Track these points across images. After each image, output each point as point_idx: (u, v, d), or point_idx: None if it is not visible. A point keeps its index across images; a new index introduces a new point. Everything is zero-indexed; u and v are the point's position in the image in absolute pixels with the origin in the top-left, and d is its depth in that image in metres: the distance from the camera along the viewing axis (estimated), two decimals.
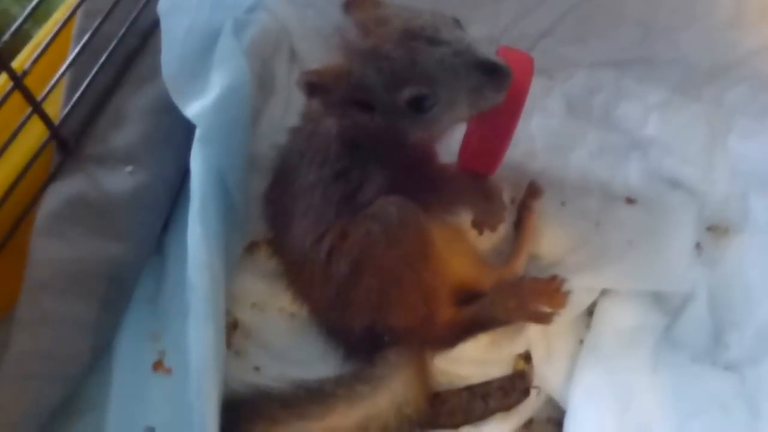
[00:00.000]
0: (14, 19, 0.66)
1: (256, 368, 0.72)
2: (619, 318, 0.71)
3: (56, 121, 0.72)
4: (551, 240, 0.75)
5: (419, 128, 0.65)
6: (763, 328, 0.67)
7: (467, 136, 0.66)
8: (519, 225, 0.77)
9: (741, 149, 0.75)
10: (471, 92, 0.62)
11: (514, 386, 0.70)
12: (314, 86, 0.63)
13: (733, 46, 0.77)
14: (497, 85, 0.61)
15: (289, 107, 0.83)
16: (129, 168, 0.73)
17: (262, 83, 0.82)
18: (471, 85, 0.61)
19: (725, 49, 0.77)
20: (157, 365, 0.70)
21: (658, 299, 0.72)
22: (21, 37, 0.81)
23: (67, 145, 0.73)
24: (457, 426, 0.69)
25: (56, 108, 0.74)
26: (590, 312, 0.73)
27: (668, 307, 0.72)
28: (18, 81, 0.65)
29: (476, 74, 0.60)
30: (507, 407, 0.69)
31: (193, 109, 0.71)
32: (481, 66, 0.60)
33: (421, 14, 0.64)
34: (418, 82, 0.62)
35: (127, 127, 0.75)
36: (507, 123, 0.65)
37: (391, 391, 0.66)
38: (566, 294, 0.71)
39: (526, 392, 0.69)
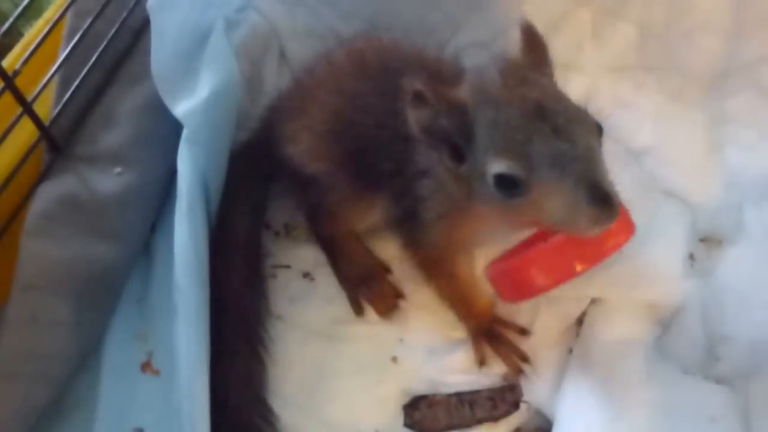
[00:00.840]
0: (5, 16, 0.65)
1: None
2: (609, 328, 0.70)
3: (47, 121, 0.72)
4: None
5: (489, 203, 0.59)
6: (755, 342, 0.67)
7: (519, 255, 0.63)
8: None
9: (738, 160, 0.75)
10: (564, 206, 0.54)
11: (504, 398, 0.69)
12: (422, 99, 0.58)
13: (732, 55, 0.77)
14: (596, 218, 0.53)
15: None
16: (118, 169, 0.73)
17: (251, 85, 0.82)
18: (569, 200, 0.53)
19: (724, 58, 0.76)
20: (146, 366, 0.70)
21: (649, 310, 0.72)
22: (12, 35, 0.81)
23: (58, 145, 0.73)
24: (440, 431, 0.68)
25: (46, 107, 0.74)
26: (580, 322, 0.72)
27: (659, 318, 0.71)
28: (9, 81, 0.65)
29: (583, 192, 0.52)
30: (494, 418, 0.68)
31: (182, 109, 0.71)
32: (594, 189, 0.52)
33: (568, 101, 0.57)
34: (519, 162, 0.54)
35: (117, 127, 0.75)
36: (570, 264, 0.58)
37: None
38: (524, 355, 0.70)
39: (515, 405, 0.69)
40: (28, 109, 0.69)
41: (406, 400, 0.70)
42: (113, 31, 0.77)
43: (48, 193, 0.71)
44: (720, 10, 0.76)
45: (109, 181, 0.72)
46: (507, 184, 0.56)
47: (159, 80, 0.71)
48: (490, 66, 0.59)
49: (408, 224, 0.69)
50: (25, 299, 0.65)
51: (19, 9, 0.67)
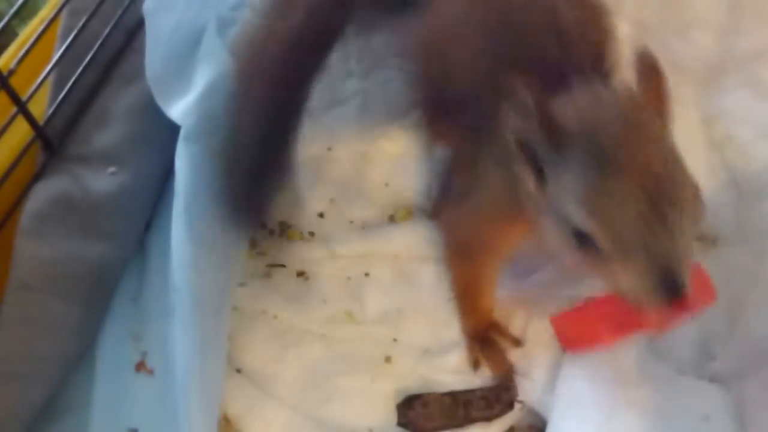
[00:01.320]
0: (0, 16, 0.65)
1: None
2: None
3: (41, 121, 0.72)
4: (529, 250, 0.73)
5: (553, 235, 0.54)
6: (749, 341, 0.67)
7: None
8: None
9: (733, 157, 0.74)
10: (630, 285, 0.50)
11: (499, 398, 0.69)
12: (526, 108, 0.51)
13: (728, 52, 0.76)
14: (658, 306, 0.49)
15: None
16: (112, 168, 0.73)
17: None
18: (636, 281, 0.49)
19: (719, 55, 0.76)
20: (140, 366, 0.70)
21: None
22: (7, 35, 0.81)
23: (52, 144, 0.73)
24: (434, 430, 0.68)
25: (41, 107, 0.74)
26: None
27: None
28: (3, 81, 0.66)
29: (653, 280, 0.48)
30: (488, 418, 0.68)
31: (177, 110, 0.71)
32: (666, 278, 0.48)
33: (683, 173, 0.51)
34: (605, 231, 0.49)
35: (111, 127, 0.75)
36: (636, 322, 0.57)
37: None
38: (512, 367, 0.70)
39: (510, 405, 0.69)
40: (22, 108, 0.69)
41: (400, 399, 0.70)
42: (108, 30, 0.77)
43: (42, 193, 0.71)
44: (715, 6, 0.76)
45: (103, 181, 0.73)
46: (585, 239, 0.51)
47: (153, 82, 0.71)
48: (604, 93, 0.54)
49: (456, 196, 0.67)
50: (20, 299, 0.65)
51: (14, 8, 0.67)
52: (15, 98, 0.67)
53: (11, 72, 0.66)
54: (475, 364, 0.72)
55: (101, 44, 0.76)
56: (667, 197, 0.49)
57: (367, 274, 0.76)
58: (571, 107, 0.53)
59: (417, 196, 0.79)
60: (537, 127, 0.52)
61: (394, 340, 0.73)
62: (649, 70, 0.55)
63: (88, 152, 0.74)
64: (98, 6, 0.75)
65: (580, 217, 0.50)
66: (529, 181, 0.54)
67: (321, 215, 0.79)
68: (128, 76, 0.77)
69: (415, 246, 0.76)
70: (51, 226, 0.69)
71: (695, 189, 0.51)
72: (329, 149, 0.80)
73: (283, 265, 0.77)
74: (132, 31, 0.79)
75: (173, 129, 0.71)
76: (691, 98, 0.78)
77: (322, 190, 0.79)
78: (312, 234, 0.78)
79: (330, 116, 0.81)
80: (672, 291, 0.49)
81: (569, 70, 0.56)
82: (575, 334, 0.67)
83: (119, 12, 0.78)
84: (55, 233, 0.69)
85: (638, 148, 0.50)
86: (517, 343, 0.72)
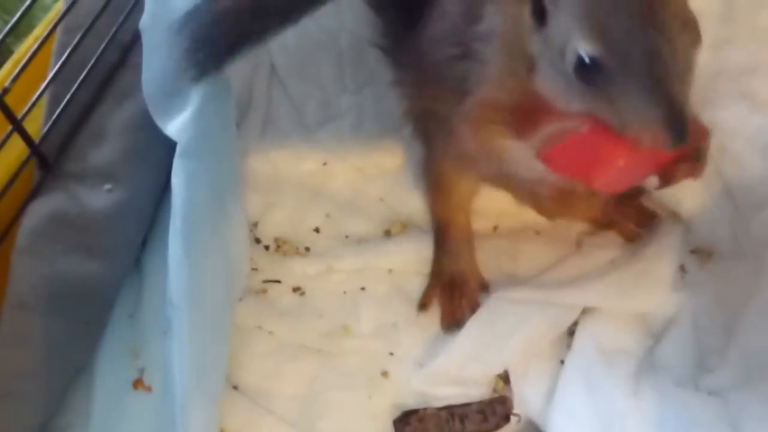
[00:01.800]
0: None
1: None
2: (601, 339, 0.70)
3: (37, 138, 0.72)
4: (529, 258, 0.75)
5: (555, 86, 0.52)
6: (747, 354, 0.67)
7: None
8: None
9: (729, 171, 0.74)
10: (635, 116, 0.48)
11: (494, 411, 0.69)
12: None
13: (721, 67, 0.77)
14: (662, 143, 0.47)
15: (268, 124, 0.82)
16: (108, 185, 0.73)
17: (240, 100, 0.82)
18: (643, 113, 0.47)
19: (712, 69, 0.76)
20: (137, 383, 0.70)
21: (641, 321, 0.72)
22: (2, 52, 0.81)
23: (48, 162, 0.73)
24: None
25: (37, 124, 0.74)
26: (571, 332, 0.72)
27: (651, 329, 0.72)
28: None
29: (661, 113, 0.46)
30: (485, 431, 0.68)
31: (174, 127, 0.71)
32: (673, 114, 0.46)
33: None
34: (612, 50, 0.47)
35: (107, 143, 0.75)
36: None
37: None
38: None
39: (506, 418, 0.69)
40: (18, 126, 0.69)
41: (396, 414, 0.70)
42: (102, 46, 0.77)
43: (38, 211, 0.71)
44: (708, 19, 0.75)
45: (99, 198, 0.73)
46: (588, 70, 0.49)
47: (150, 98, 0.71)
48: None
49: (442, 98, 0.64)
50: (17, 317, 0.65)
51: (8, 26, 0.67)
52: (10, 116, 0.67)
53: (6, 90, 0.66)
54: (423, 306, 0.73)
55: (96, 61, 0.76)
56: (671, 15, 0.48)
57: (362, 289, 0.76)
58: None
59: (412, 210, 0.78)
60: None
61: (391, 354, 0.73)
62: None
63: (84, 169, 0.74)
64: (93, 23, 0.75)
65: (588, 47, 0.48)
66: (530, 23, 0.52)
67: (317, 230, 0.79)
68: (124, 92, 0.77)
69: (410, 260, 0.77)
70: (47, 243, 0.70)
71: (694, 20, 0.50)
72: (324, 164, 0.80)
73: (278, 281, 0.76)
74: (127, 48, 0.79)
75: (170, 145, 0.71)
76: None
77: (317, 206, 0.79)
78: (308, 249, 0.78)
79: (325, 131, 0.81)
80: (679, 132, 0.47)
81: None
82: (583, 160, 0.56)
83: (114, 29, 0.78)
84: (51, 251, 0.69)
85: None
86: (486, 287, 0.73)
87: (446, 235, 0.75)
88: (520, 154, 0.58)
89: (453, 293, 0.74)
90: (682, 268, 0.73)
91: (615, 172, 0.53)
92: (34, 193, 0.72)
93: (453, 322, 0.74)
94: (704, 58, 0.78)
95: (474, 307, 0.74)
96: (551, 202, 0.67)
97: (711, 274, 0.72)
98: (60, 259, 0.70)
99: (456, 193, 0.74)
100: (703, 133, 0.55)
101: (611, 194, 0.67)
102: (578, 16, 0.50)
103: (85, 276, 0.69)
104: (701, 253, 0.74)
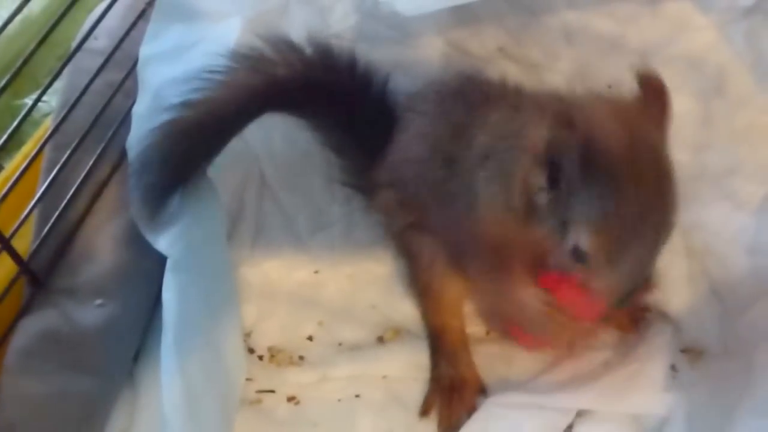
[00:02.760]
0: None
1: None
2: None
3: (26, 256, 0.72)
4: (523, 361, 0.74)
5: (541, 240, 0.58)
6: None
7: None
8: None
9: (717, 272, 0.75)
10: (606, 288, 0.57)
11: None
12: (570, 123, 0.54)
13: (702, 168, 0.78)
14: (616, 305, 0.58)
15: (259, 234, 0.82)
16: (99, 301, 0.73)
17: (230, 211, 0.81)
18: (610, 287, 0.57)
19: (694, 170, 0.77)
20: None
21: (635, 421, 0.70)
22: None
23: (38, 279, 0.73)
24: None
25: (26, 241, 0.74)
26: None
27: (645, 429, 0.70)
28: None
29: (623, 290, 0.56)
30: None
31: (164, 241, 0.72)
32: (630, 292, 0.57)
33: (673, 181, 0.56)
34: (608, 255, 0.55)
35: (98, 259, 0.75)
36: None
37: None
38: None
39: None
40: (6, 245, 0.69)
41: None
42: (91, 162, 0.77)
43: (29, 329, 0.71)
44: (687, 123, 0.78)
45: (90, 314, 0.72)
46: (581, 257, 0.56)
47: (138, 215, 0.72)
48: (602, 105, 0.57)
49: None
50: None
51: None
52: None
53: None
54: (424, 413, 0.72)
55: (85, 177, 0.77)
56: (667, 235, 0.56)
57: (357, 396, 0.75)
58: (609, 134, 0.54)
59: (404, 316, 0.78)
60: (576, 144, 0.54)
61: None
62: (653, 88, 0.58)
63: (74, 285, 0.74)
64: (81, 141, 0.76)
65: (584, 239, 0.55)
66: (540, 191, 0.57)
67: (310, 338, 0.78)
68: (113, 207, 0.77)
69: (404, 366, 0.76)
70: (38, 362, 0.69)
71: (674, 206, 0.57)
72: (316, 272, 0.80)
73: (272, 391, 0.75)
74: (116, 164, 0.80)
75: (160, 258, 0.71)
76: None
77: (310, 314, 0.79)
78: (302, 358, 0.77)
79: (316, 241, 0.82)
80: (621, 303, 0.58)
81: None
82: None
83: (102, 145, 0.78)
84: (42, 370, 0.69)
85: (641, 153, 0.54)
86: (484, 391, 0.73)
87: (442, 340, 0.75)
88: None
89: (452, 397, 0.74)
90: (673, 368, 0.72)
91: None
92: (24, 311, 0.72)
93: (449, 427, 0.73)
94: (685, 160, 0.80)
95: (470, 411, 0.73)
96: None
97: (702, 373, 0.72)
98: (51, 377, 0.69)
99: (446, 298, 0.74)
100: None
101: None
102: (587, 215, 0.55)
103: (77, 394, 0.68)
104: (691, 352, 0.74)
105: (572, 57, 0.84)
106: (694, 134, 0.79)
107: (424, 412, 0.74)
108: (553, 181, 0.56)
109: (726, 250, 0.76)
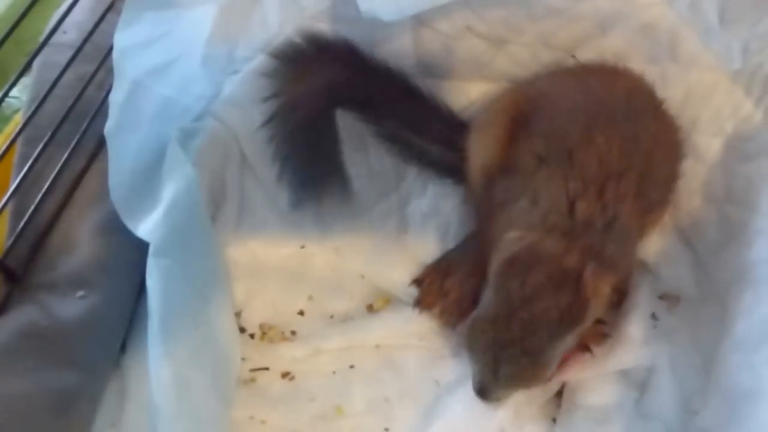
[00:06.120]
0: None
1: None
2: (588, 396, 0.61)
3: (0, 253, 0.61)
4: None
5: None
6: (726, 391, 0.58)
7: None
8: None
9: (687, 222, 0.69)
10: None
11: None
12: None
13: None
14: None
15: (243, 213, 0.71)
16: (80, 293, 0.60)
17: (213, 191, 0.71)
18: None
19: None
20: None
21: (623, 374, 0.63)
22: None
23: (15, 275, 0.60)
24: None
25: (0, 238, 0.62)
26: (560, 393, 0.64)
27: (634, 380, 0.63)
28: None
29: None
30: None
31: (145, 228, 0.59)
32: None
33: None
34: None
35: (77, 250, 0.62)
36: None
37: None
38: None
39: None
40: None
41: None
42: (66, 154, 0.65)
43: (7, 327, 0.57)
44: None
45: (71, 306, 0.59)
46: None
47: (119, 204, 0.59)
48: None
49: None
50: None
51: None
52: None
53: None
54: (418, 303, 0.68)
55: (60, 169, 0.64)
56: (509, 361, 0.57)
57: (351, 367, 0.65)
58: None
59: (393, 283, 0.69)
60: None
61: (386, 429, 0.62)
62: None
63: (54, 278, 0.61)
64: (53, 134, 0.62)
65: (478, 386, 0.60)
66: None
67: (301, 313, 0.68)
68: (91, 198, 0.65)
69: (396, 333, 0.67)
70: (18, 359, 0.56)
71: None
72: (302, 247, 0.70)
73: (266, 368, 0.65)
74: (92, 154, 0.67)
75: (142, 246, 0.58)
76: None
77: (299, 289, 0.68)
78: (294, 333, 0.67)
79: (300, 214, 0.72)
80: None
81: None
82: None
83: (77, 136, 0.66)
84: (23, 367, 0.56)
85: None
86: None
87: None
88: None
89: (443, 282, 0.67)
90: (654, 316, 0.65)
91: None
92: (1, 309, 0.59)
93: (426, 307, 0.67)
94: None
95: (459, 301, 0.67)
96: None
97: (681, 318, 0.64)
98: (33, 375, 0.56)
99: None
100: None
101: None
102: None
103: (61, 390, 0.56)
104: (669, 298, 0.67)
105: (536, 31, 0.77)
106: None
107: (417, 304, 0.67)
108: None
109: (693, 201, 0.69)
